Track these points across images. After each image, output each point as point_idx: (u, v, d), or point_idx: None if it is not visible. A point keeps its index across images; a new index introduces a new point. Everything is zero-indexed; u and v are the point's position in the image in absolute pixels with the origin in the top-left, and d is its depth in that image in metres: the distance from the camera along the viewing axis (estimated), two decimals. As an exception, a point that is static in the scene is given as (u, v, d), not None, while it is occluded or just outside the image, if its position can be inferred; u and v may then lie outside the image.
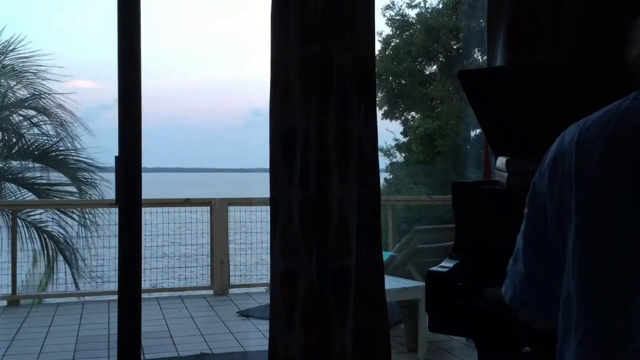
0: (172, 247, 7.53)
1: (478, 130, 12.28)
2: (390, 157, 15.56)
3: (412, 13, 15.87)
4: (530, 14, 3.47)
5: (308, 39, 2.98)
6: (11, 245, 6.31)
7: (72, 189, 9.29)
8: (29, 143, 9.41)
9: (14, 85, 9.69)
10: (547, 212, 1.11)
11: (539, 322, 1.22)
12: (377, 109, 3.26)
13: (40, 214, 8.61)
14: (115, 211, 2.97)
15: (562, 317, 1.07)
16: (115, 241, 3.09)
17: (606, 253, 1.02)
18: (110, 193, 7.68)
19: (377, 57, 11.77)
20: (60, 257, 8.69)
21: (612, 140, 1.03)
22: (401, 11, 15.88)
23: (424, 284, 2.53)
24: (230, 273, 6.65)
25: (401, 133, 15.53)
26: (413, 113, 16.07)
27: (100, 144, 9.53)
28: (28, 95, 9.73)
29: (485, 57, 4.54)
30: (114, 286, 5.88)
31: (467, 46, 14.96)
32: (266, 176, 3.04)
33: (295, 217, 2.99)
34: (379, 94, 15.25)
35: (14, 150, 9.38)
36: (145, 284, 6.51)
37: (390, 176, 15.29)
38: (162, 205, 7.23)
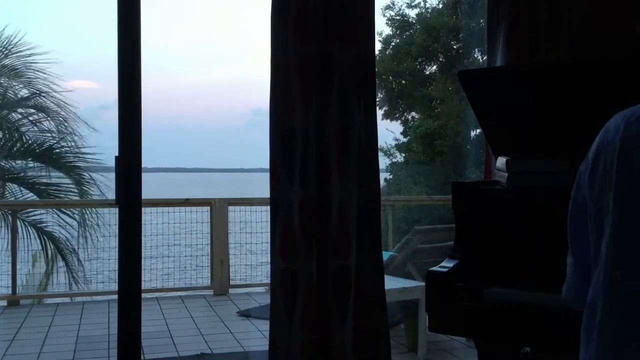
0: (172, 247, 7.52)
1: (478, 130, 12.28)
2: (390, 157, 15.57)
3: (412, 13, 15.88)
4: (530, 14, 3.47)
5: (308, 39, 2.98)
6: (11, 245, 6.31)
7: (72, 188, 9.29)
8: (28, 143, 9.41)
9: (15, 85, 9.69)
10: (587, 205, 1.06)
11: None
12: (377, 108, 3.26)
13: (41, 214, 8.60)
14: (115, 211, 2.97)
15: (585, 319, 1.04)
16: (115, 241, 3.09)
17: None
18: (110, 193, 7.67)
19: (377, 57, 11.76)
20: (60, 257, 8.68)
21: None
22: (401, 11, 15.89)
23: (424, 284, 2.53)
24: (230, 273, 6.66)
25: (401, 133, 15.54)
26: (413, 113, 16.07)
27: (100, 144, 9.53)
28: (28, 95, 9.73)
29: (485, 57, 4.54)
30: (114, 286, 5.90)
31: (467, 46, 14.95)
32: (266, 176, 3.04)
33: (295, 217, 2.99)
34: (379, 94, 15.25)
35: (14, 150, 9.37)
36: (145, 284, 6.51)
37: (390, 176, 15.28)
38: (162, 205, 7.23)
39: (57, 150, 9.45)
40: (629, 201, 0.98)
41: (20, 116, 9.75)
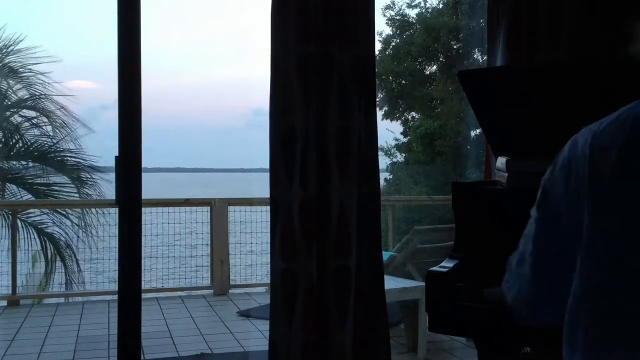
0: (172, 247, 7.53)
1: (478, 130, 12.28)
2: (390, 157, 15.58)
3: (412, 13, 15.89)
4: (530, 14, 3.47)
5: (308, 39, 2.98)
6: (11, 245, 6.31)
7: (72, 189, 9.29)
8: (28, 143, 9.41)
9: (15, 85, 9.69)
10: (561, 217, 1.09)
11: (538, 322, 1.21)
12: (377, 108, 3.26)
13: (40, 214, 8.61)
14: (115, 211, 2.97)
15: (568, 323, 1.06)
16: (115, 241, 3.09)
17: (618, 261, 1.00)
18: (110, 193, 7.67)
19: (377, 57, 11.76)
20: (60, 258, 8.69)
21: (627, 144, 1.01)
22: (401, 11, 15.89)
23: (424, 284, 2.53)
24: (230, 273, 6.66)
25: (401, 133, 15.55)
26: (413, 113, 16.08)
27: (100, 144, 9.54)
28: (28, 95, 9.73)
29: (485, 57, 4.54)
30: (114, 286, 5.89)
31: (467, 46, 14.95)
32: (266, 176, 3.04)
33: (295, 217, 2.99)
34: (379, 94, 15.26)
35: (13, 151, 9.37)
36: (145, 284, 6.52)
37: (390, 176, 15.29)
38: (162, 205, 7.23)
39: (57, 151, 9.45)
40: (601, 207, 1.02)
41: (20, 117, 9.75)
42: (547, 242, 1.13)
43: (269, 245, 3.06)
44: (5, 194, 9.24)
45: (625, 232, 1.00)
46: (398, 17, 15.83)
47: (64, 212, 8.64)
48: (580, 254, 1.04)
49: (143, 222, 2.95)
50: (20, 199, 9.17)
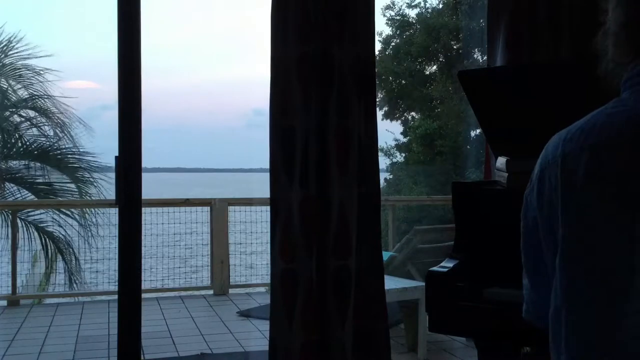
0: (172, 247, 7.53)
1: (478, 130, 12.28)
2: (390, 157, 15.57)
3: (412, 13, 15.88)
4: (530, 14, 3.47)
5: (308, 39, 2.98)
6: (11, 245, 6.31)
7: (73, 189, 9.29)
8: (28, 143, 9.41)
9: (15, 85, 9.69)
10: (538, 225, 1.09)
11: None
12: (377, 109, 3.25)
13: (40, 214, 8.61)
14: (115, 211, 2.97)
15: (552, 331, 1.07)
16: (115, 241, 3.10)
17: (593, 267, 1.00)
18: (110, 193, 7.67)
19: (377, 57, 11.76)
20: (60, 257, 8.69)
21: (595, 150, 1.01)
22: (401, 11, 15.89)
23: (424, 284, 2.54)
24: (230, 273, 6.66)
25: (401, 133, 15.54)
26: (413, 113, 16.07)
27: (100, 144, 9.54)
28: (27, 96, 9.73)
29: (485, 57, 4.54)
30: (114, 286, 5.90)
31: (467, 46, 14.95)
32: (266, 176, 3.04)
33: (295, 217, 2.99)
34: (379, 94, 15.25)
35: (13, 150, 9.37)
36: (145, 284, 6.51)
37: (390, 176, 15.29)
38: (162, 205, 7.24)
39: (57, 151, 9.45)
40: (573, 214, 1.02)
41: (19, 117, 9.75)
42: (532, 251, 1.14)
43: (269, 245, 3.06)
44: (5, 193, 9.24)
45: (598, 240, 1.00)
46: (398, 17, 15.82)
47: (64, 212, 8.64)
48: (557, 262, 1.04)
49: (143, 222, 2.95)
50: (20, 199, 9.17)
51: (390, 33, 15.86)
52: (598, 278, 1.00)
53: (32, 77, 9.59)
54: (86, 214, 8.57)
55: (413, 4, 15.73)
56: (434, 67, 15.71)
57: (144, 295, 3.40)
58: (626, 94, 1.05)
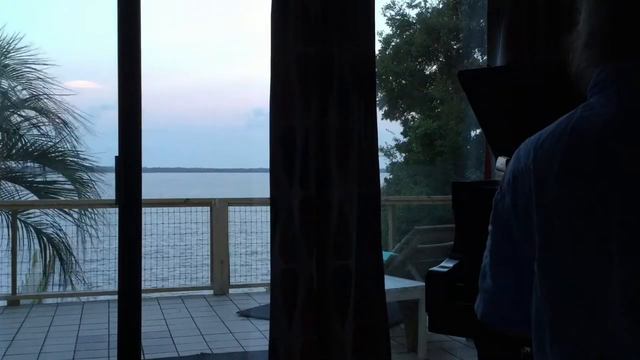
0: (172, 247, 7.53)
1: (478, 130, 12.29)
2: (390, 157, 15.58)
3: (412, 13, 15.88)
4: (530, 14, 3.47)
5: (308, 39, 2.98)
6: (11, 245, 6.31)
7: (72, 189, 9.29)
8: (28, 144, 9.40)
9: (15, 85, 9.69)
10: (512, 230, 1.09)
11: (514, 332, 1.23)
12: (377, 108, 3.25)
13: (40, 214, 8.60)
14: (115, 211, 2.97)
15: (535, 334, 1.07)
16: (115, 241, 3.09)
17: (567, 272, 1.01)
18: (110, 193, 7.67)
19: (377, 57, 11.77)
20: (60, 258, 8.69)
21: (566, 155, 1.01)
22: (401, 11, 15.89)
23: (424, 284, 2.54)
24: (230, 273, 6.66)
25: (401, 133, 15.54)
26: (413, 113, 16.08)
27: (100, 144, 9.54)
28: (28, 96, 9.73)
29: (485, 57, 4.54)
30: (114, 286, 5.90)
31: (467, 46, 14.96)
32: (266, 176, 3.04)
33: (295, 217, 2.99)
34: (379, 94, 15.25)
35: (13, 151, 9.37)
36: (145, 284, 6.52)
37: (390, 176, 15.29)
38: (162, 205, 7.24)
39: (57, 151, 9.44)
40: (547, 219, 1.02)
41: (19, 117, 9.74)
42: (502, 254, 1.14)
43: (269, 245, 3.06)
44: (4, 193, 9.23)
45: (571, 244, 1.00)
46: (398, 17, 15.82)
47: (64, 212, 8.64)
48: (535, 269, 1.04)
49: (143, 222, 2.95)
50: (20, 199, 9.16)
51: (390, 33, 15.88)
52: (574, 281, 1.00)
53: (31, 77, 9.59)
54: (86, 214, 8.57)
55: (413, 3, 15.75)
56: (434, 67, 15.72)
57: (144, 295, 3.40)
58: (594, 98, 1.05)
